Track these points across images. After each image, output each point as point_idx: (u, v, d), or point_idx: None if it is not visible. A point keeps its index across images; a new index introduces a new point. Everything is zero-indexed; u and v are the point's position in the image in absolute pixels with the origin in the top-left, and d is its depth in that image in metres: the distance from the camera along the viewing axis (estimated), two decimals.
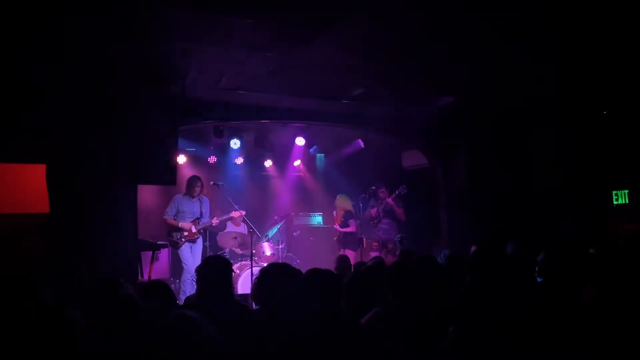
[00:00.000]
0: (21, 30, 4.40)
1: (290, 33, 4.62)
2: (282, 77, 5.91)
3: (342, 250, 8.48)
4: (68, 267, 2.95)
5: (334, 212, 8.85)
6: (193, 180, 7.75)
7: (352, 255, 8.10)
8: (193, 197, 7.69)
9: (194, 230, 7.62)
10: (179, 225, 7.57)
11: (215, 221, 7.86)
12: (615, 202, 6.82)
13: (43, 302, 1.90)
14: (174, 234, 7.59)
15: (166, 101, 6.01)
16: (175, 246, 7.60)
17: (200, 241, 7.78)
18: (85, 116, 5.54)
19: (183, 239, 7.54)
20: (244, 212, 8.07)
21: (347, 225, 8.56)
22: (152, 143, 5.86)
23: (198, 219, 7.69)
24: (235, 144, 8.76)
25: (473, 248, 4.05)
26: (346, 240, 8.57)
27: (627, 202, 6.71)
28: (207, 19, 4.28)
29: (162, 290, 3.08)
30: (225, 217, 8.05)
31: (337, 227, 8.63)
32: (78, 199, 5.62)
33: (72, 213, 5.60)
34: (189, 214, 7.63)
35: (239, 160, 9.72)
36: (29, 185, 6.16)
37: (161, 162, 5.96)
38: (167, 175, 6.07)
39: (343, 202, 8.72)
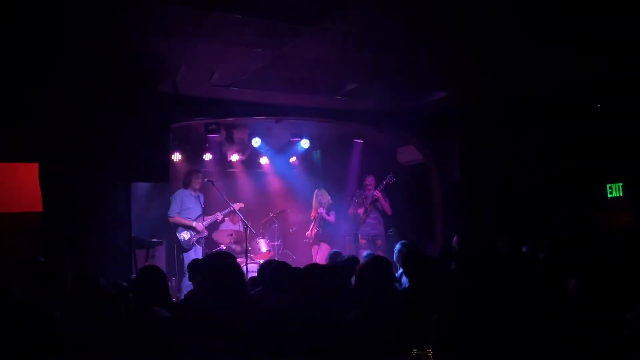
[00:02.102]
0: (13, 29, 4.39)
1: (280, 28, 4.60)
2: (275, 73, 5.89)
3: (318, 244, 8.50)
4: (51, 265, 2.95)
5: (317, 205, 8.78)
6: (192, 174, 7.63)
7: (327, 249, 8.14)
8: (194, 191, 7.63)
9: (201, 228, 7.54)
10: (193, 224, 7.42)
11: (219, 216, 7.83)
12: (609, 195, 6.81)
13: (19, 299, 1.90)
14: (185, 234, 7.39)
15: (158, 99, 6.00)
16: (186, 247, 7.36)
17: (202, 240, 7.70)
18: (78, 115, 5.53)
19: (194, 239, 7.44)
20: (242, 205, 8.10)
21: (329, 215, 8.58)
22: (145, 141, 5.85)
23: (201, 215, 7.62)
24: (230, 141, 8.73)
25: (455, 238, 4.07)
26: (324, 233, 8.57)
27: (621, 195, 6.71)
28: (196, 14, 4.27)
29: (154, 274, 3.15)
30: (227, 210, 7.97)
31: (322, 212, 8.58)
32: (71, 197, 5.62)
33: (65, 211, 5.60)
34: (193, 210, 7.52)
35: (235, 157, 9.71)
36: (22, 184, 6.17)
37: (154, 160, 5.95)
38: (160, 173, 6.06)
39: (324, 196, 8.72)
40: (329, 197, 8.72)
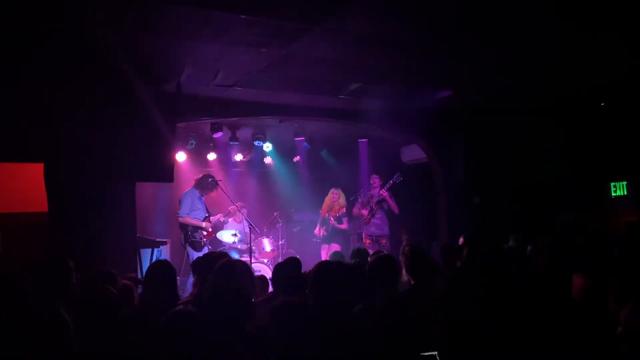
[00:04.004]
0: (19, 27, 4.41)
1: (285, 28, 4.61)
2: (278, 73, 5.90)
3: (328, 244, 8.48)
4: (56, 265, 2.97)
5: (332, 205, 8.73)
6: (209, 179, 7.68)
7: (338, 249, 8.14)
8: (203, 195, 7.68)
9: (210, 229, 7.58)
10: (203, 224, 7.44)
11: (222, 217, 7.83)
12: (613, 194, 6.81)
13: (29, 299, 1.92)
14: (196, 235, 7.41)
15: (162, 98, 6.01)
16: (197, 248, 7.38)
17: (207, 241, 7.74)
18: (83, 115, 5.55)
19: (204, 239, 7.46)
20: (241, 204, 8.11)
21: (342, 223, 8.55)
22: (149, 141, 5.87)
23: (208, 217, 7.64)
24: (234, 140, 8.73)
25: (461, 239, 4.05)
26: (336, 236, 8.54)
27: (625, 193, 6.70)
28: (201, 15, 4.28)
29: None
30: (227, 211, 8.00)
31: (334, 222, 8.56)
32: (76, 197, 5.64)
33: (70, 211, 5.62)
34: (201, 211, 7.57)
35: (238, 157, 9.72)
36: (27, 184, 6.20)
37: (159, 160, 5.98)
38: (164, 173, 6.08)
39: (342, 198, 8.68)
40: (344, 202, 8.65)
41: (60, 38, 4.60)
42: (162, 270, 3.55)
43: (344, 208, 8.59)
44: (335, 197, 8.64)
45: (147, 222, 8.17)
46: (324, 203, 8.78)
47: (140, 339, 2.51)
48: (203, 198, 7.71)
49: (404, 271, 4.44)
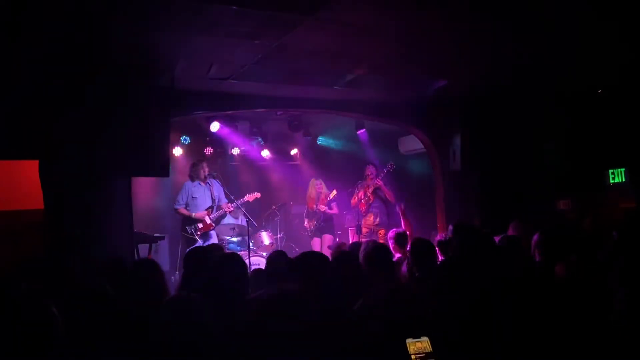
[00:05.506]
0: (11, 24, 4.36)
1: (277, 19, 4.56)
2: (273, 65, 5.85)
3: (320, 236, 8.47)
4: (52, 263, 2.94)
5: (319, 195, 8.71)
6: (196, 164, 7.65)
7: (331, 240, 8.14)
8: (203, 182, 7.62)
9: (208, 221, 7.49)
10: (193, 215, 7.40)
11: (230, 208, 7.76)
12: (612, 181, 6.78)
13: (19, 297, 1.88)
14: (188, 228, 7.39)
15: (156, 92, 5.95)
16: (189, 240, 7.34)
17: (213, 234, 7.66)
18: (76, 110, 5.50)
19: (198, 232, 7.40)
20: (258, 195, 8.06)
21: (332, 208, 8.57)
22: (144, 135, 5.81)
23: (212, 207, 7.59)
24: (231, 133, 8.70)
25: (450, 227, 4.04)
26: (326, 225, 8.54)
27: (623, 180, 6.67)
28: (192, 7, 4.23)
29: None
30: (239, 201, 7.87)
31: (325, 209, 8.55)
32: (72, 194, 5.60)
33: (66, 208, 5.58)
34: (201, 200, 7.52)
35: (236, 151, 9.69)
36: (22, 182, 6.16)
37: (153, 154, 5.92)
38: (160, 167, 6.03)
39: (323, 187, 8.69)
40: (327, 189, 8.69)
41: (55, 33, 4.55)
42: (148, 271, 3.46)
43: (330, 194, 8.58)
44: (320, 188, 8.65)
45: (144, 217, 8.13)
46: (308, 197, 8.77)
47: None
48: (209, 187, 7.63)
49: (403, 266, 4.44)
